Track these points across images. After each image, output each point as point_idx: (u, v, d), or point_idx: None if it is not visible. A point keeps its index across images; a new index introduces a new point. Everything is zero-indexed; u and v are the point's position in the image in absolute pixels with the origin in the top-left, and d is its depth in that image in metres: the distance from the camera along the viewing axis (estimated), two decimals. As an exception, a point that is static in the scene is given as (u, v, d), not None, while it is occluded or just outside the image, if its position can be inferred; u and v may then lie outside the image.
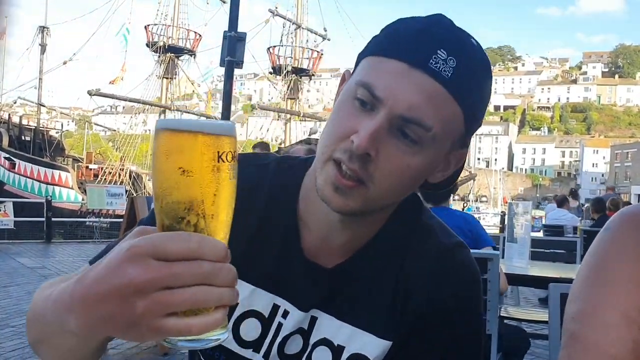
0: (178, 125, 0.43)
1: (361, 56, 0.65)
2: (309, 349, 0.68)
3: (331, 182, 0.61)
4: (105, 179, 22.50)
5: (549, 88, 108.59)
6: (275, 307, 0.69)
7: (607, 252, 0.65)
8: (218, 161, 0.43)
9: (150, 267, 0.41)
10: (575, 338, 0.61)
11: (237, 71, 6.01)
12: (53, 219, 10.25)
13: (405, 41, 0.60)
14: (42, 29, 27.27)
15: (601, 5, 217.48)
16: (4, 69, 27.17)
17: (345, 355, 0.67)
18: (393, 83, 0.59)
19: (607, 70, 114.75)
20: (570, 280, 0.74)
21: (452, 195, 2.60)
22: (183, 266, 0.41)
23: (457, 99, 0.60)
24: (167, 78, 25.56)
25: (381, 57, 0.61)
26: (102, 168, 24.15)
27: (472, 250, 0.73)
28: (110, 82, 26.19)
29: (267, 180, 0.72)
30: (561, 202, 8.03)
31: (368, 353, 0.67)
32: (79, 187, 19.57)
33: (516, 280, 2.47)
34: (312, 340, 0.69)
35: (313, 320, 0.69)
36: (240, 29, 5.96)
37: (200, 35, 26.72)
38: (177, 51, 25.79)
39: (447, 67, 0.59)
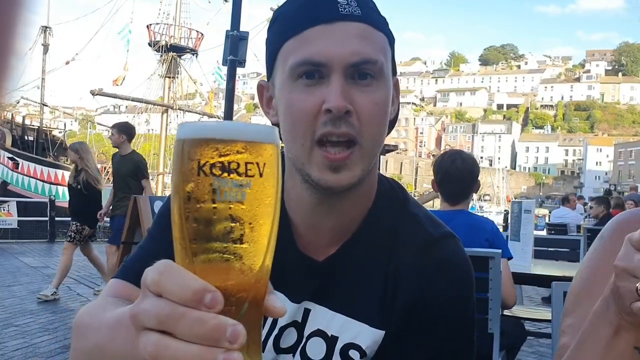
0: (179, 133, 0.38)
1: (274, 51, 0.67)
2: (303, 341, 0.69)
3: (326, 165, 0.63)
4: (108, 178, 22.56)
5: (552, 86, 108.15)
6: None
7: (597, 265, 0.67)
8: (198, 174, 0.35)
9: (139, 299, 0.36)
10: (562, 348, 0.65)
11: (239, 70, 6.02)
12: (56, 219, 10.27)
13: (308, 9, 0.64)
14: (45, 29, 27.31)
15: (601, 3, 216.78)
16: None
17: (339, 345, 0.68)
18: (326, 43, 0.62)
19: (610, 68, 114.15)
20: (572, 279, 0.75)
21: (472, 194, 2.27)
22: (147, 302, 0.35)
23: (377, 27, 0.66)
24: (169, 77, 25.55)
25: (297, 36, 0.64)
26: (105, 168, 24.22)
27: (473, 249, 0.73)
28: (113, 82, 26.24)
29: None
30: (564, 201, 8.05)
31: (361, 342, 0.67)
32: (82, 187, 19.60)
33: (519, 278, 2.45)
34: (307, 332, 0.69)
35: (307, 312, 0.70)
36: (242, 28, 5.96)
37: (202, 34, 26.71)
38: (179, 50, 25.75)
39: (353, 8, 0.64)
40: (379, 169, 0.75)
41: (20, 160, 19.61)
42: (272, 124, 0.71)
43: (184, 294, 0.33)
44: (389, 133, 0.72)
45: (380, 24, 0.66)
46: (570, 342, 0.64)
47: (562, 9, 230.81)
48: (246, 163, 0.35)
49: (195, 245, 0.35)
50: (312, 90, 0.63)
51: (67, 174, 20.80)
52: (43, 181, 19.21)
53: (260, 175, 0.36)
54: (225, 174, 0.35)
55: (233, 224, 0.35)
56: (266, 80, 0.72)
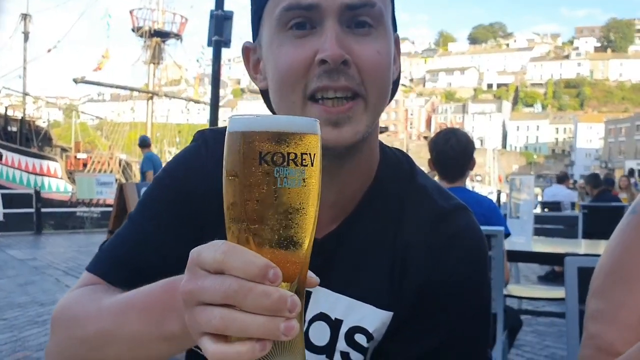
0: (229, 127, 0.41)
1: (259, 8, 0.61)
2: (305, 326, 0.64)
3: (325, 120, 0.55)
4: (94, 168, 22.27)
5: (541, 64, 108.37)
6: None
7: (630, 242, 0.63)
8: (260, 163, 0.38)
9: (191, 277, 0.38)
10: (593, 338, 0.62)
11: (225, 55, 5.89)
12: (43, 210, 10.13)
13: None
14: (25, 17, 26.53)
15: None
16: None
17: (343, 328, 0.63)
18: None
19: (599, 45, 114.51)
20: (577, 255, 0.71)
21: (467, 172, 2.31)
22: (209, 280, 0.37)
23: None
24: (153, 63, 25.06)
25: None
26: (90, 157, 23.86)
27: None
28: (94, 69, 25.66)
29: None
30: (562, 179, 8.08)
31: (367, 325, 0.62)
32: (68, 177, 19.35)
33: (520, 257, 2.38)
34: (308, 316, 0.64)
35: (308, 295, 0.63)
36: (227, 9, 5.77)
37: (186, 19, 26.15)
38: (163, 35, 25.25)
39: None
40: None
41: (3, 152, 19.24)
42: (260, 91, 0.65)
43: (251, 270, 0.36)
44: (392, 97, 0.64)
45: None
46: (602, 331, 0.59)
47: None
48: (302, 154, 0.39)
49: (254, 227, 0.38)
50: (303, 42, 0.56)
51: (52, 165, 20.51)
52: (28, 172, 18.92)
53: (312, 164, 0.39)
54: (285, 164, 0.38)
55: (289, 210, 0.39)
56: (252, 41, 0.66)
